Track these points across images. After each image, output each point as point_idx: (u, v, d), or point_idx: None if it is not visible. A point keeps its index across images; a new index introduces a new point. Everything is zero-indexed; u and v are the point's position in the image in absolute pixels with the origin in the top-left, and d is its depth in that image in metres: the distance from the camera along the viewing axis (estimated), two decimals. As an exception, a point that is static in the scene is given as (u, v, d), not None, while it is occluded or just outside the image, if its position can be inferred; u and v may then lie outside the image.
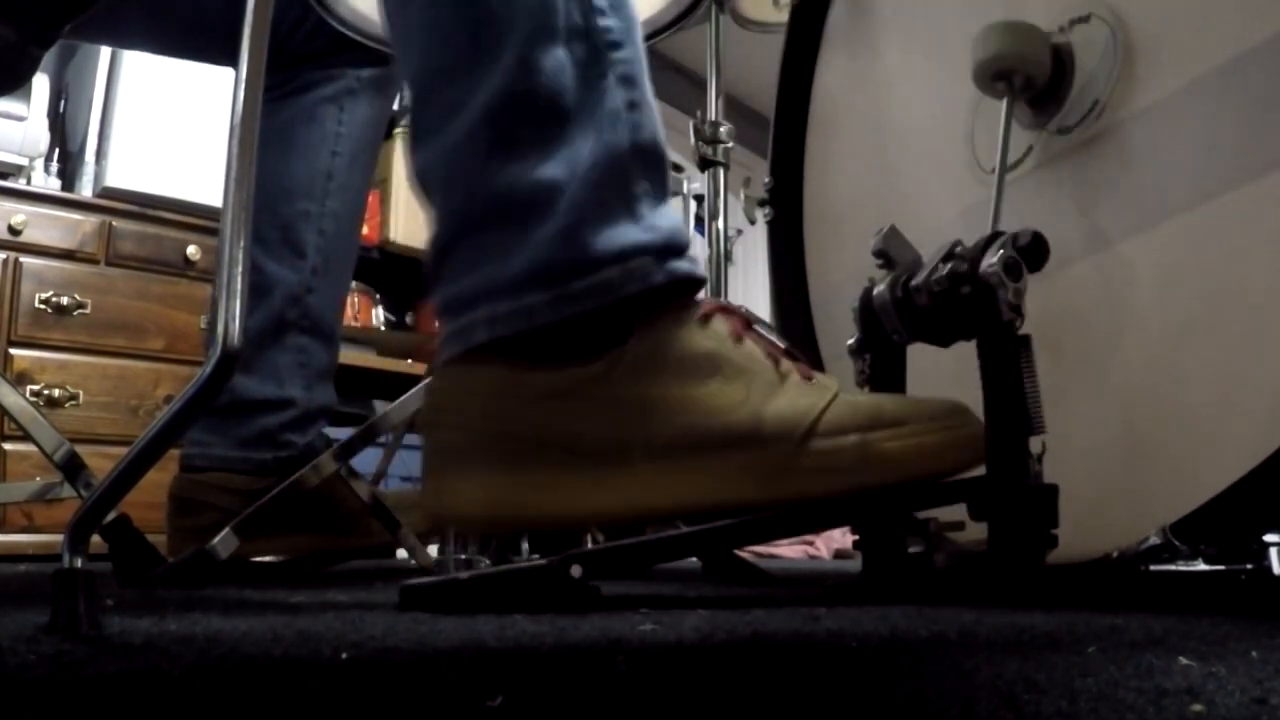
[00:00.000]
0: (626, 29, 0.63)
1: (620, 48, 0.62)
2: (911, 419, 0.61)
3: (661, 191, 0.63)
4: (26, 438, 0.95)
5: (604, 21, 0.62)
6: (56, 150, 2.27)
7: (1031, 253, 0.66)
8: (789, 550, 2.24)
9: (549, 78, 0.60)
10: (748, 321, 0.64)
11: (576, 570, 0.57)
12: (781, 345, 0.65)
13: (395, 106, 1.46)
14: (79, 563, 0.45)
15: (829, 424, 0.60)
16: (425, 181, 0.64)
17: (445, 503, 0.62)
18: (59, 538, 0.46)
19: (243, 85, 0.55)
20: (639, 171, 0.61)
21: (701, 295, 0.64)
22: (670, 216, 0.62)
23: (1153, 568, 0.65)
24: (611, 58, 0.62)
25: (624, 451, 0.59)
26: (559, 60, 0.60)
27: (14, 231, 1.99)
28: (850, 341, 0.76)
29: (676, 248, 0.62)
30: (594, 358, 0.59)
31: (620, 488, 0.59)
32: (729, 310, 0.63)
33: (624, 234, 0.60)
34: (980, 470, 0.64)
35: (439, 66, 0.62)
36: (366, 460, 1.16)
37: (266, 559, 1.08)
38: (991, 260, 0.65)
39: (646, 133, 0.62)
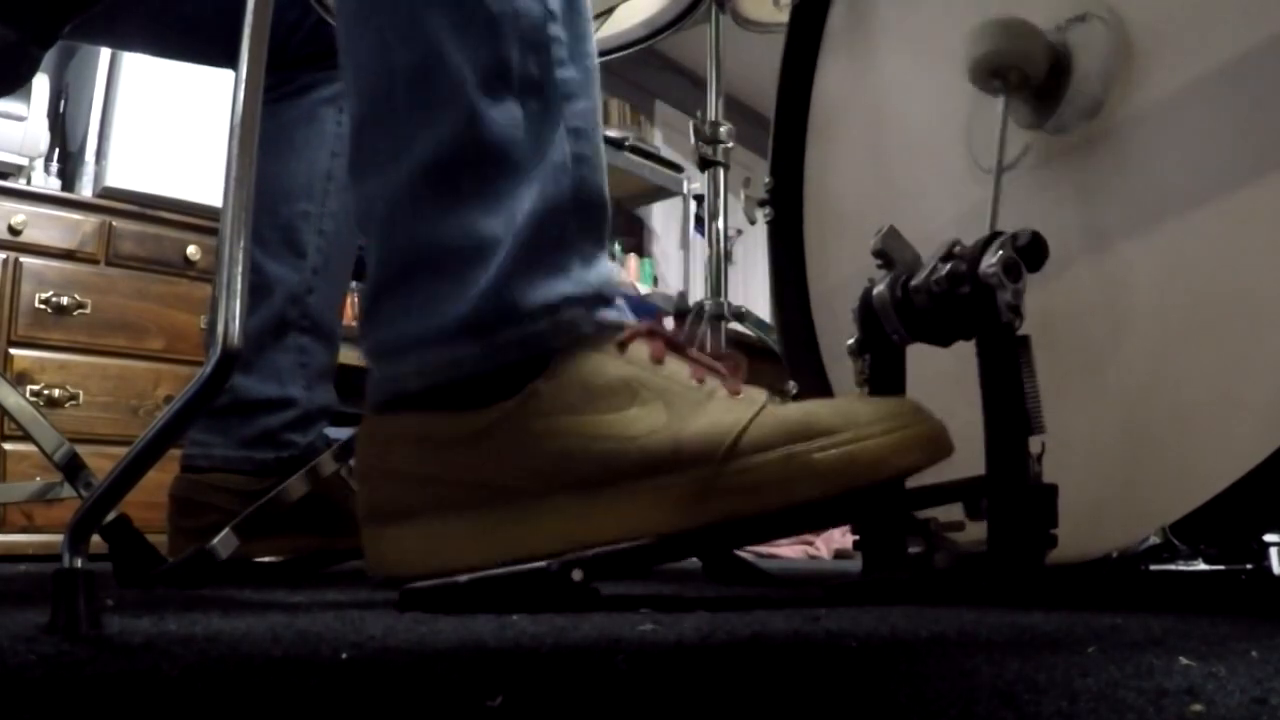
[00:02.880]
0: (585, 81, 0.63)
1: (575, 100, 0.62)
2: (846, 426, 0.58)
3: (599, 243, 0.63)
4: (26, 438, 0.95)
5: (562, 73, 0.61)
6: (56, 150, 2.27)
7: (1030, 252, 0.66)
8: (789, 550, 2.24)
9: (499, 130, 0.59)
10: (671, 343, 0.63)
11: (578, 574, 0.57)
12: (710, 363, 0.64)
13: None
14: (79, 563, 0.45)
15: (752, 440, 0.58)
16: (363, 219, 0.64)
17: (383, 557, 0.62)
18: (59, 538, 0.46)
19: (243, 85, 0.55)
20: (575, 226, 0.61)
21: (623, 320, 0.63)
22: (602, 267, 0.62)
23: (1153, 568, 0.65)
24: (565, 110, 0.61)
25: (546, 486, 0.58)
26: (511, 114, 0.60)
27: (14, 231, 1.99)
28: (850, 341, 0.76)
29: (604, 297, 0.62)
30: (510, 396, 0.59)
31: (546, 525, 0.58)
32: (652, 333, 0.62)
33: (555, 288, 0.59)
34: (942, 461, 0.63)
35: (386, 109, 0.61)
36: (367, 460, 1.16)
37: (267, 559, 1.08)
38: (991, 261, 0.65)
39: (589, 186, 0.62)
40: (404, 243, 0.61)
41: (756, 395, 0.61)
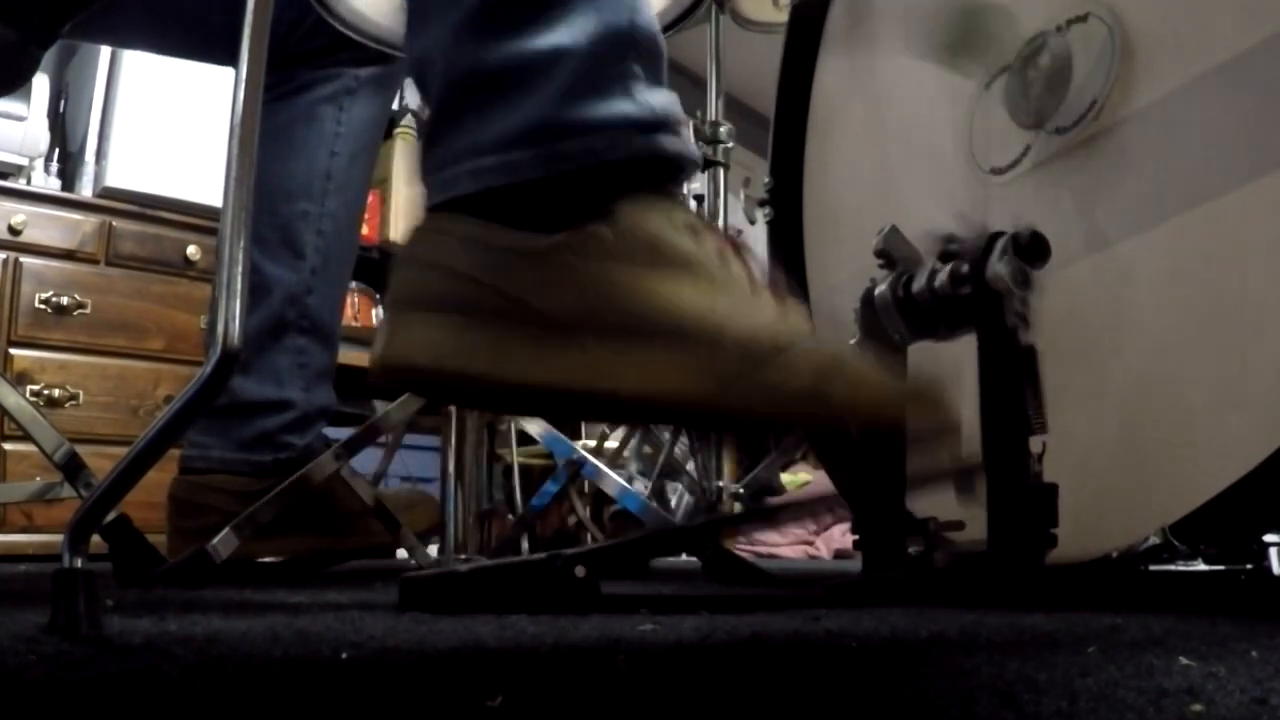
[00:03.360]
0: None
1: None
2: (872, 369, 0.61)
3: (657, 77, 0.63)
4: (26, 438, 0.95)
5: None
6: (56, 150, 2.27)
7: (1031, 252, 0.66)
8: (789, 550, 2.24)
9: None
10: (738, 246, 0.64)
11: (580, 570, 0.57)
12: (769, 280, 0.64)
13: (395, 106, 1.46)
14: (79, 563, 0.45)
15: (792, 357, 0.59)
16: (425, 64, 0.64)
17: (395, 346, 0.60)
18: (59, 538, 0.46)
19: (243, 85, 0.55)
20: (635, 53, 0.62)
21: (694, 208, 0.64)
22: (666, 97, 0.63)
23: (1153, 568, 0.65)
24: None
25: (577, 325, 0.58)
26: None
27: (14, 231, 1.99)
28: (851, 341, 0.76)
29: (668, 125, 0.62)
30: (570, 227, 0.59)
31: (565, 361, 0.58)
32: (724, 233, 0.63)
33: (616, 106, 0.60)
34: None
35: None
36: (366, 460, 1.16)
37: (267, 559, 1.08)
38: (999, 268, 0.65)
39: (643, 18, 0.63)
40: (464, 71, 0.62)
41: (800, 323, 0.63)
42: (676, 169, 0.62)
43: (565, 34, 0.60)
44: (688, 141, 0.63)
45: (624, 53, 0.61)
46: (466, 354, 0.59)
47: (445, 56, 0.63)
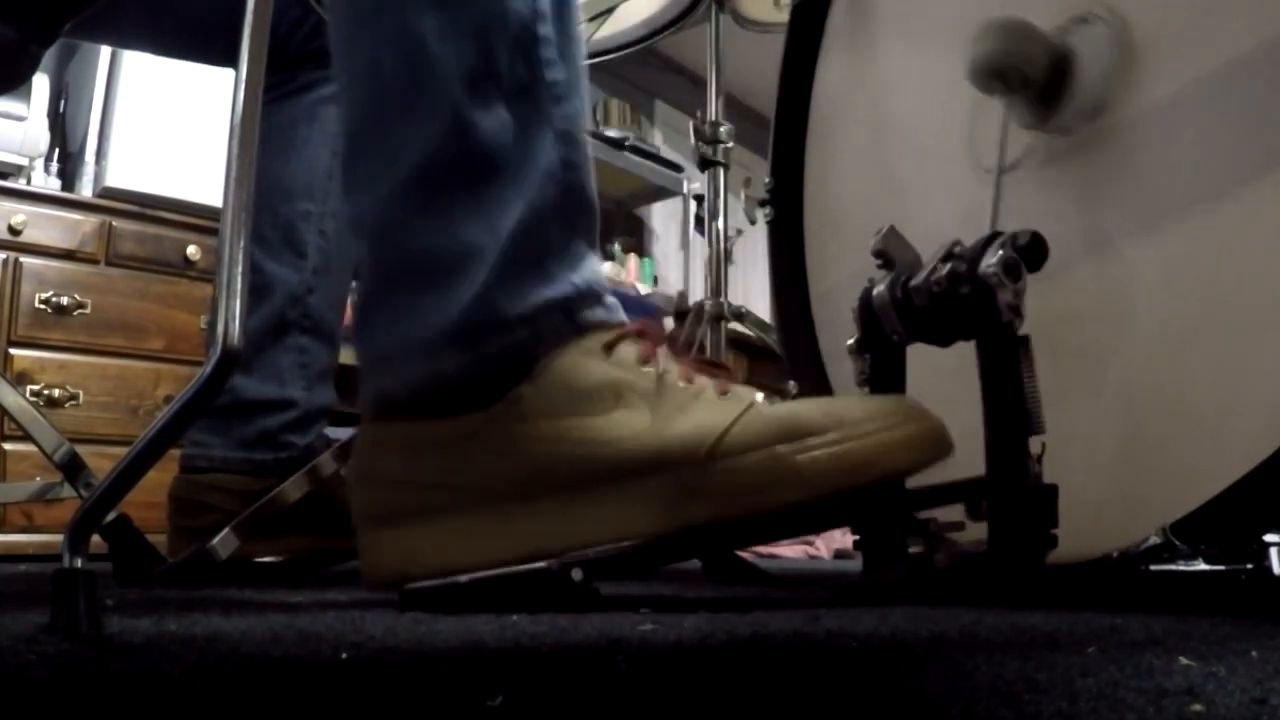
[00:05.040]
0: (573, 81, 0.62)
1: (563, 102, 0.61)
2: (833, 426, 0.57)
3: (586, 244, 0.62)
4: (26, 438, 0.95)
5: (551, 74, 0.61)
6: (56, 150, 2.27)
7: (1030, 252, 0.66)
8: (789, 550, 2.24)
9: (487, 137, 0.59)
10: (660, 342, 0.62)
11: (577, 574, 0.57)
12: (701, 361, 0.63)
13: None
14: (79, 563, 0.45)
15: (736, 441, 0.57)
16: (355, 227, 0.64)
17: (375, 561, 0.62)
18: (59, 538, 0.46)
19: (243, 85, 0.55)
20: (560, 230, 0.61)
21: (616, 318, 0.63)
22: (588, 268, 0.62)
23: (1153, 568, 0.65)
24: (554, 113, 0.61)
25: (529, 490, 0.58)
26: (499, 119, 0.59)
27: (14, 231, 1.99)
28: (850, 341, 0.76)
29: (594, 299, 0.61)
30: (494, 401, 0.59)
31: (529, 528, 0.58)
32: (641, 333, 0.62)
33: (538, 293, 0.59)
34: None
35: (377, 120, 0.61)
36: (366, 460, 1.16)
37: (267, 559, 1.08)
38: (991, 261, 0.65)
39: (576, 189, 0.62)
40: (392, 252, 0.62)
41: (745, 394, 0.60)
42: (595, 330, 0.61)
43: (489, 226, 0.59)
44: (612, 307, 0.62)
45: (547, 234, 0.60)
46: (441, 552, 0.59)
47: (375, 228, 0.62)
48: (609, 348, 0.60)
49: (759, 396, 0.61)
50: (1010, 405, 0.64)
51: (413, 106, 0.60)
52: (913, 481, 0.65)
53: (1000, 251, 0.65)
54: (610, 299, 0.63)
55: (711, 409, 0.59)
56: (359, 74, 0.63)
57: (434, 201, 0.60)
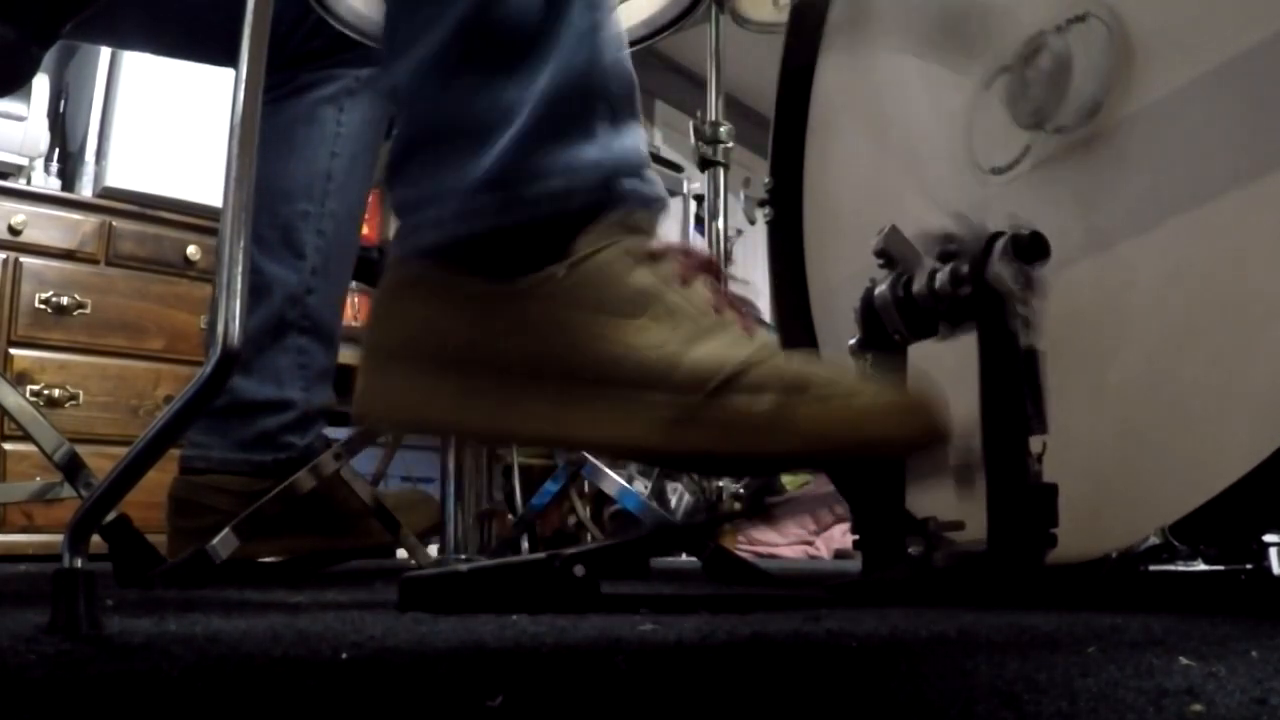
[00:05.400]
0: None
1: None
2: (837, 388, 0.58)
3: (625, 113, 0.63)
4: (26, 438, 0.95)
5: None
6: (56, 150, 2.27)
7: (1030, 252, 0.66)
8: (789, 550, 2.24)
9: (517, 4, 0.60)
10: (706, 267, 0.62)
11: (580, 570, 0.57)
12: (736, 299, 0.63)
13: (395, 106, 1.45)
14: (79, 563, 0.45)
15: (747, 380, 0.57)
16: (395, 94, 0.65)
17: (372, 398, 0.62)
18: (59, 538, 0.46)
19: (243, 85, 0.55)
20: (598, 94, 0.61)
21: (664, 234, 0.63)
22: (631, 137, 0.62)
23: (1153, 568, 0.65)
24: None
25: (538, 372, 0.58)
26: None
27: (14, 231, 1.99)
28: (851, 341, 0.76)
29: (631, 168, 0.61)
30: (529, 273, 0.59)
31: (529, 411, 0.58)
32: (688, 253, 0.62)
33: (577, 152, 0.60)
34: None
35: None
36: (366, 460, 1.16)
37: (266, 559, 1.08)
38: (1000, 269, 0.65)
39: (609, 56, 0.62)
40: (431, 112, 0.62)
41: (766, 338, 0.61)
42: (640, 209, 0.61)
43: (525, 84, 0.60)
44: (652, 182, 0.62)
45: (585, 98, 0.61)
46: (435, 405, 0.59)
47: (411, 96, 0.63)
48: (653, 257, 0.61)
49: (777, 346, 0.62)
50: (1010, 405, 0.64)
51: None
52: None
53: (1008, 258, 0.65)
54: (650, 173, 0.63)
55: (732, 343, 0.59)
56: None
57: (470, 65, 0.61)
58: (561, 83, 0.60)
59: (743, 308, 0.63)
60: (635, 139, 0.62)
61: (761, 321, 0.65)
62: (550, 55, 0.60)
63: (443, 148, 0.62)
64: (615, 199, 0.60)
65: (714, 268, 0.64)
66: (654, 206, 0.62)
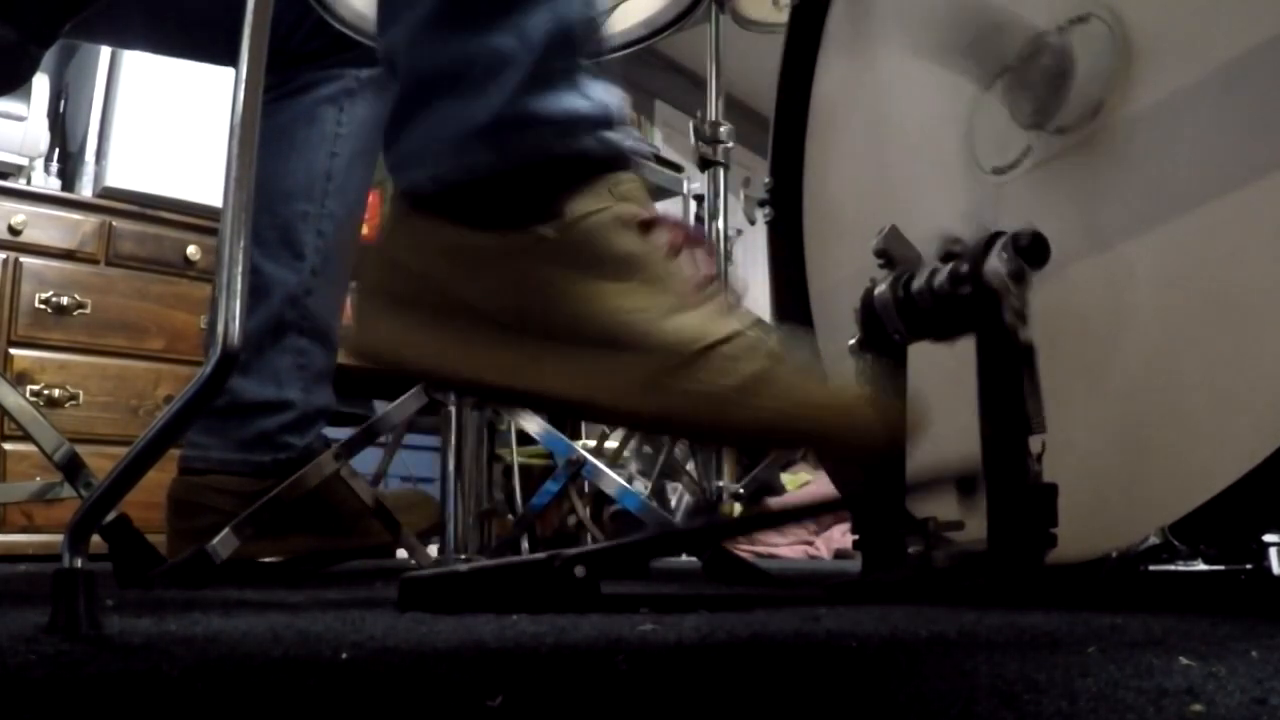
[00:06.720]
0: None
1: None
2: (804, 382, 0.60)
3: (600, 66, 0.64)
4: (26, 438, 0.95)
5: None
6: (56, 150, 2.27)
7: (1032, 252, 0.66)
8: (789, 550, 2.24)
9: None
10: (696, 243, 0.64)
11: (580, 570, 0.57)
12: (720, 278, 0.65)
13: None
14: (79, 563, 0.45)
15: (724, 351, 0.59)
16: (391, 56, 0.66)
17: (361, 336, 0.63)
18: (59, 538, 0.46)
19: (243, 85, 0.55)
20: (585, 47, 0.63)
21: (658, 208, 0.65)
22: (610, 92, 0.64)
23: (1153, 568, 0.65)
24: None
25: (519, 325, 0.60)
26: None
27: (14, 231, 1.99)
28: (851, 341, 0.76)
29: (615, 119, 0.63)
30: (521, 228, 0.61)
31: (502, 362, 0.59)
32: (679, 226, 0.64)
33: (566, 101, 0.61)
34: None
35: None
36: (366, 460, 1.16)
37: (266, 559, 1.08)
38: (997, 265, 0.65)
39: (593, 9, 0.64)
40: (425, 66, 0.64)
41: (748, 317, 0.63)
42: (625, 162, 0.63)
43: (519, 31, 0.61)
44: (634, 134, 0.64)
45: (575, 47, 0.63)
46: (417, 349, 0.60)
47: (407, 52, 0.64)
48: (644, 227, 0.62)
49: (756, 323, 0.62)
50: (1010, 405, 0.64)
51: None
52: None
53: (1005, 254, 0.65)
54: (633, 130, 0.65)
55: (714, 317, 0.61)
56: None
57: (466, 17, 0.62)
58: (554, 30, 0.62)
59: (727, 285, 0.65)
60: (615, 92, 0.64)
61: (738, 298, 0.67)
62: (545, 6, 0.62)
63: (437, 102, 0.63)
64: (605, 148, 0.62)
65: (702, 242, 0.65)
66: (637, 156, 0.64)
